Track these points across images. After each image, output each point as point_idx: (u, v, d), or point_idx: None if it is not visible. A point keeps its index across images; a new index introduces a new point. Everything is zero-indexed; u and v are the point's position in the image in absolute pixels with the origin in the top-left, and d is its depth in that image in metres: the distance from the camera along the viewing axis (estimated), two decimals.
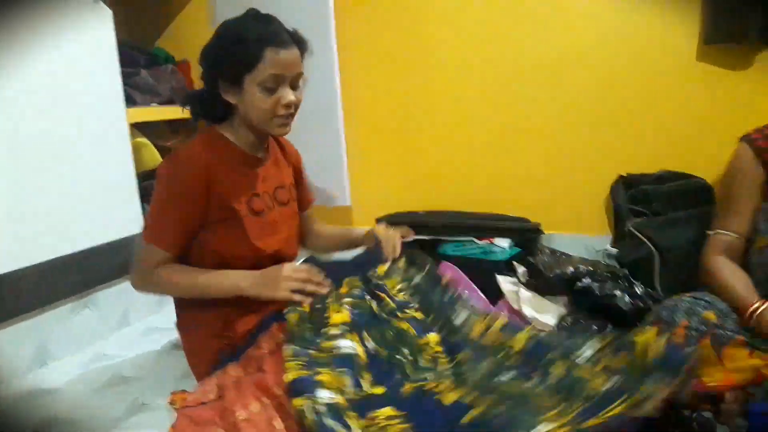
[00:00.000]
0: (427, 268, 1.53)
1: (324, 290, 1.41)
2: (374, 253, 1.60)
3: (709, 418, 1.20)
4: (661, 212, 1.86)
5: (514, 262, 2.01)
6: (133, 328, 2.11)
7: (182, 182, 1.40)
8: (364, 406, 1.16)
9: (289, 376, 1.22)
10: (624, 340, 1.32)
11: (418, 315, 1.44)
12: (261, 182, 1.53)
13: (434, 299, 1.45)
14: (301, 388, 1.17)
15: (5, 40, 1.71)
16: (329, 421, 1.10)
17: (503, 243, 2.10)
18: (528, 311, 1.80)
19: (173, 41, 2.84)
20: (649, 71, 2.04)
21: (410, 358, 1.28)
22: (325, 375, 1.21)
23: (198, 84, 1.57)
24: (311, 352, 1.28)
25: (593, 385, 1.24)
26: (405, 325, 1.37)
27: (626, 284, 1.71)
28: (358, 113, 2.52)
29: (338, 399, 1.16)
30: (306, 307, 1.39)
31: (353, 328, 1.34)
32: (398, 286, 1.48)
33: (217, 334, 1.49)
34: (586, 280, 1.75)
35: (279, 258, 1.59)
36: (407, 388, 1.21)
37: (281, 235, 1.58)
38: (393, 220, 2.28)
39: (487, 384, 1.27)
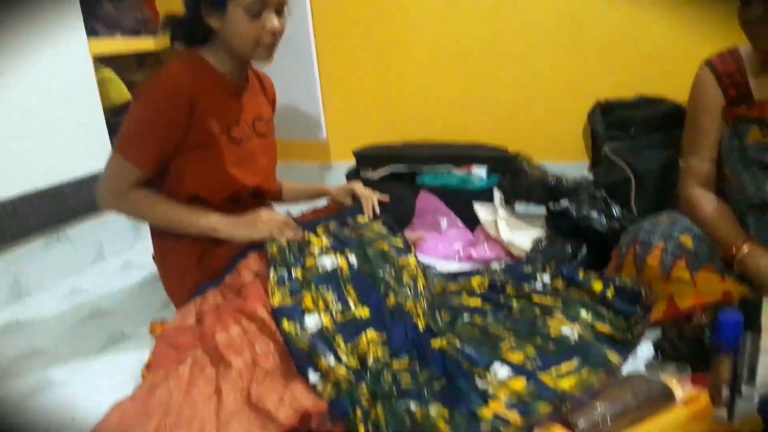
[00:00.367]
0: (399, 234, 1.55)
1: (299, 236, 1.43)
2: (353, 209, 1.61)
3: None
4: (637, 137, 1.87)
5: (494, 188, 2.01)
6: (108, 263, 2.09)
7: (166, 100, 1.36)
8: (350, 329, 1.17)
9: (275, 302, 1.23)
10: (576, 279, 1.37)
11: (399, 243, 1.46)
12: (240, 111, 1.50)
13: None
14: (288, 315, 1.19)
15: None
16: (320, 345, 1.12)
17: (481, 172, 2.09)
18: (505, 235, 1.82)
19: None
20: None
21: (392, 273, 1.30)
22: (308, 298, 1.22)
23: (162, 15, 1.51)
24: (295, 273, 1.29)
25: (552, 323, 1.28)
26: (386, 247, 1.38)
27: (603, 205, 1.72)
28: (331, 45, 2.45)
29: (325, 321, 1.18)
30: (284, 242, 1.40)
31: (335, 247, 1.35)
32: (378, 230, 1.49)
33: (195, 264, 1.48)
34: (564, 203, 1.76)
35: (259, 193, 1.58)
36: (391, 300, 1.23)
37: (259, 166, 1.55)
38: (370, 153, 2.27)
39: (452, 325, 1.33)
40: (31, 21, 1.81)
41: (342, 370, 1.08)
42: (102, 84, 2.16)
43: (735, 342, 1.04)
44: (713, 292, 1.30)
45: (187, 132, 1.39)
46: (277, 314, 1.21)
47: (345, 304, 1.23)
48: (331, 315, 1.20)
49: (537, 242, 1.71)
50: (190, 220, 1.44)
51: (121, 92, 2.30)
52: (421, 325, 1.22)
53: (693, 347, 1.20)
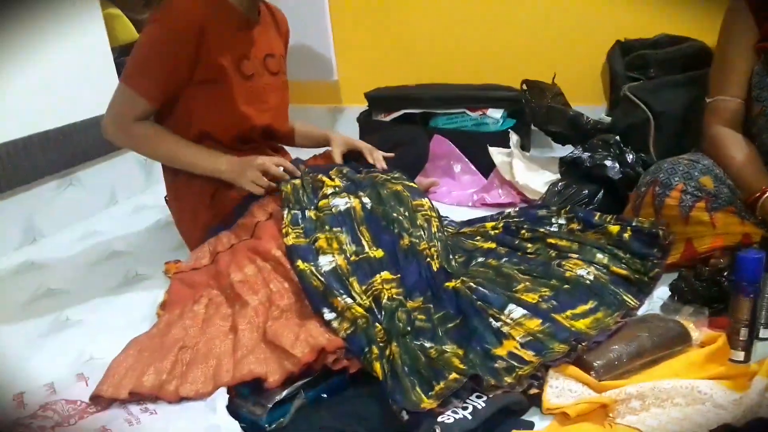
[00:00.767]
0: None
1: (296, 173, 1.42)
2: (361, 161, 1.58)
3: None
4: (658, 77, 1.81)
5: (509, 131, 1.97)
6: (121, 206, 2.09)
7: (176, 31, 1.33)
8: (364, 270, 1.17)
9: (289, 241, 1.22)
10: (592, 222, 1.35)
11: (413, 185, 1.44)
12: (251, 45, 1.47)
13: None
14: (303, 256, 1.18)
15: None
16: (335, 284, 1.11)
17: (496, 114, 2.05)
18: (520, 178, 1.79)
19: None
20: None
21: (406, 215, 1.28)
22: (322, 239, 1.21)
23: None
24: (309, 213, 1.28)
25: (567, 266, 1.27)
26: (399, 188, 1.36)
27: (617, 152, 1.69)
28: None
29: (339, 261, 1.17)
30: (298, 183, 1.38)
31: (348, 189, 1.34)
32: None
33: (207, 205, 1.48)
34: (577, 151, 1.73)
35: (269, 133, 1.55)
36: (405, 241, 1.22)
37: (270, 105, 1.52)
38: (382, 96, 2.23)
39: (466, 267, 1.32)
40: None
41: (357, 309, 1.08)
42: (108, 21, 2.11)
43: (755, 282, 1.03)
44: (732, 234, 1.28)
45: (196, 64, 1.36)
46: (291, 254, 1.20)
47: (359, 244, 1.22)
48: (345, 256, 1.19)
49: (552, 185, 1.68)
50: (195, 159, 1.42)
51: (128, 30, 2.26)
52: (435, 266, 1.21)
53: (710, 290, 1.19)
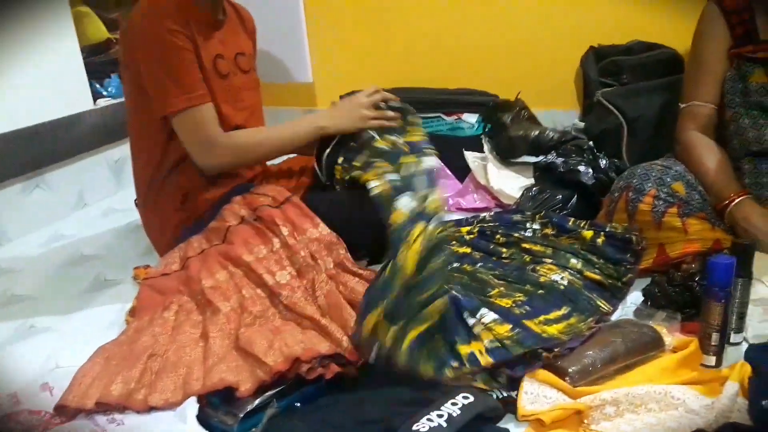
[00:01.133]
0: None
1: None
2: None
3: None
4: (631, 83, 1.83)
5: (483, 136, 1.98)
6: (90, 209, 2.04)
7: (170, 31, 1.29)
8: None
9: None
10: (566, 227, 1.35)
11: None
12: (221, 45, 1.44)
13: None
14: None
15: None
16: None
17: (471, 119, 2.05)
18: (495, 183, 1.79)
19: None
20: None
21: None
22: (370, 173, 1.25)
23: None
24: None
25: (541, 271, 1.27)
26: None
27: (590, 157, 1.70)
28: None
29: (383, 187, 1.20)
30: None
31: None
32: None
33: (177, 208, 1.45)
34: (551, 156, 1.73)
35: None
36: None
37: (246, 104, 1.50)
38: None
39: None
40: None
41: None
42: (78, 20, 2.06)
43: (725, 287, 1.04)
44: (704, 240, 1.29)
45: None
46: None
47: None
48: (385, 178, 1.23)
49: (527, 190, 1.69)
50: (295, 130, 1.42)
51: (99, 29, 2.21)
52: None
53: (683, 295, 1.20)
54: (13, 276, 1.60)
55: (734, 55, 1.36)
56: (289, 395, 1.01)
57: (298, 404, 1.01)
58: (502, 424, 0.98)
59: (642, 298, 1.26)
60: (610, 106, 1.76)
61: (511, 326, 1.12)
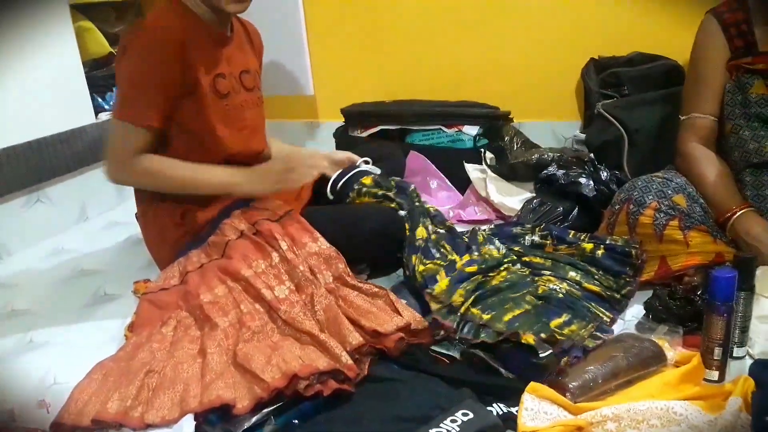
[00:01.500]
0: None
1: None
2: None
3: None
4: (631, 95, 1.82)
5: (483, 150, 1.98)
6: (92, 223, 2.04)
7: (159, 52, 1.29)
8: None
9: None
10: (566, 239, 1.36)
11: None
12: (226, 63, 1.44)
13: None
14: None
15: None
16: None
17: (472, 131, 2.05)
18: (495, 197, 1.79)
19: None
20: None
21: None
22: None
23: None
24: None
25: (540, 282, 1.27)
26: None
27: (591, 169, 1.70)
28: None
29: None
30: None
31: None
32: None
33: (178, 223, 1.44)
34: (551, 168, 1.73)
35: (247, 154, 1.53)
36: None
37: (246, 123, 1.50)
38: (358, 111, 2.22)
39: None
40: None
41: None
42: (80, 34, 2.07)
43: (727, 302, 1.03)
44: (706, 253, 1.28)
45: (182, 82, 1.32)
46: None
47: None
48: None
49: (527, 203, 1.68)
50: (203, 178, 1.38)
51: (101, 44, 2.21)
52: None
53: (684, 308, 1.19)
54: (13, 290, 1.60)
55: (733, 67, 1.35)
56: (286, 412, 1.00)
57: (296, 421, 1.00)
58: None
59: (643, 312, 1.25)
60: (611, 118, 1.76)
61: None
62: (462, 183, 1.98)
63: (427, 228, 1.39)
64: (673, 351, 1.11)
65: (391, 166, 1.78)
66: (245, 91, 1.50)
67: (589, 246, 1.35)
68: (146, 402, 1.00)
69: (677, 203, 1.31)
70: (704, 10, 1.42)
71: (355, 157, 1.61)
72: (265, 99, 1.61)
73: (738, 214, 1.28)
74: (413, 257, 1.30)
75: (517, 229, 1.47)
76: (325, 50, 2.42)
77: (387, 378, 1.08)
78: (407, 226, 1.39)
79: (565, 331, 1.14)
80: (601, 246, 1.33)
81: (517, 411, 0.98)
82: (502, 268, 1.32)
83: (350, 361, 1.04)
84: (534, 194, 1.75)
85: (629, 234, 1.33)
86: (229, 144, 1.42)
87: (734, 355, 1.10)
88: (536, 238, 1.43)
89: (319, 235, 1.31)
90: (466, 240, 1.42)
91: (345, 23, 2.38)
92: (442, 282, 1.21)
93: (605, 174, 1.67)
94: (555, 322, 1.17)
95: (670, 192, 1.32)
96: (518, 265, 1.36)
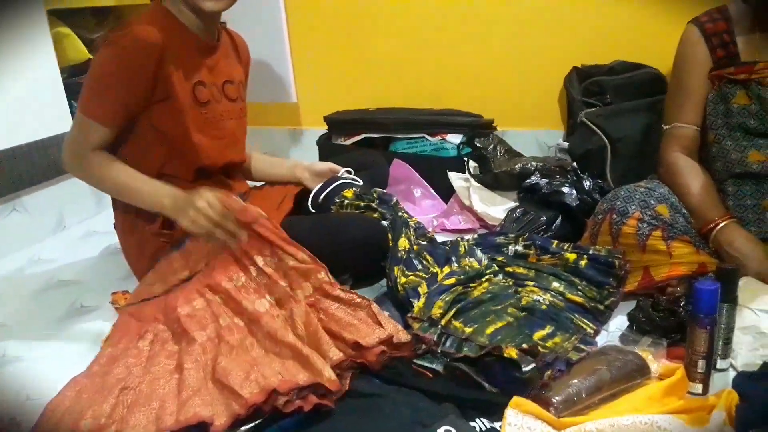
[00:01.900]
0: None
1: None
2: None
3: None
4: (614, 104, 1.83)
5: (466, 158, 1.97)
6: (69, 232, 2.01)
7: (134, 54, 1.28)
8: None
9: None
10: (549, 249, 1.36)
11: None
12: (208, 71, 1.43)
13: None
14: None
15: None
16: None
17: (455, 139, 2.04)
18: (478, 206, 1.78)
19: None
20: None
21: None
22: None
23: None
24: None
25: (524, 293, 1.26)
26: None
27: (574, 178, 1.70)
28: (302, 3, 2.35)
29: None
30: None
31: None
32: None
33: (155, 233, 1.42)
34: (535, 177, 1.72)
35: (225, 165, 1.51)
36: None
37: (225, 132, 1.47)
38: (341, 119, 2.20)
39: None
40: None
41: None
42: (58, 41, 2.04)
43: (711, 314, 1.02)
44: (688, 263, 1.28)
45: (153, 88, 1.31)
46: None
47: None
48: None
49: (511, 212, 1.67)
50: (138, 191, 1.34)
51: (79, 50, 2.17)
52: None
53: (668, 319, 1.19)
54: None
55: (716, 77, 1.35)
56: (266, 429, 0.98)
57: None
58: None
59: (627, 323, 1.24)
60: (594, 127, 1.76)
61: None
62: (446, 191, 1.97)
63: (409, 239, 1.38)
64: (657, 363, 1.10)
65: (376, 174, 1.78)
66: (227, 101, 1.48)
67: (572, 256, 1.34)
68: (121, 420, 0.97)
69: (660, 213, 1.31)
70: (686, 19, 1.42)
71: (336, 167, 1.60)
72: (248, 105, 1.59)
73: (720, 225, 1.28)
74: (395, 269, 1.28)
75: (500, 239, 1.46)
76: (308, 57, 2.41)
77: (368, 393, 1.05)
78: (390, 236, 1.38)
79: (549, 343, 1.14)
80: (585, 256, 1.33)
81: (500, 426, 0.97)
82: (483, 279, 1.31)
83: (333, 376, 1.02)
84: (517, 203, 1.74)
85: (612, 244, 1.33)
86: (205, 152, 1.40)
87: (718, 367, 1.09)
88: (520, 248, 1.42)
89: (299, 246, 1.29)
90: (448, 250, 1.41)
91: (328, 30, 2.37)
92: (420, 302, 1.20)
93: (588, 183, 1.67)
94: (538, 334, 1.16)
95: (653, 202, 1.32)
96: (500, 276, 1.35)
